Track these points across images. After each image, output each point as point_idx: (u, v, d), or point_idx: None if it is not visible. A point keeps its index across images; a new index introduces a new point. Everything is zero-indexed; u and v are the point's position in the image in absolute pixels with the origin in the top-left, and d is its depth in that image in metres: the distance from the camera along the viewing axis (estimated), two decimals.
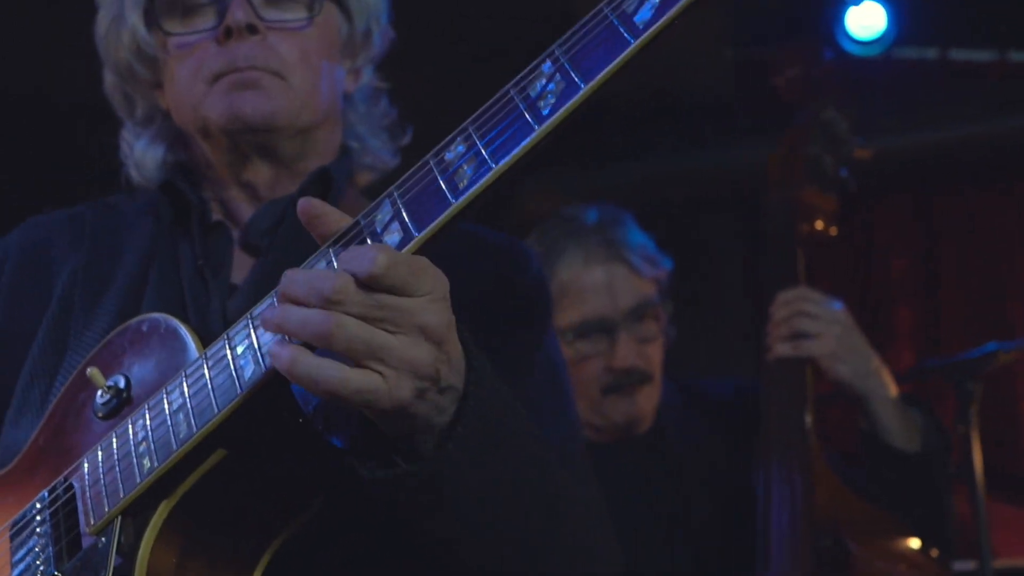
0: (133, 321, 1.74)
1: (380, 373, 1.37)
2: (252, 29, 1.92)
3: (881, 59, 4.53)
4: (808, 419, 3.01)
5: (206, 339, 1.62)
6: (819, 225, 3.32)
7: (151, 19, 1.99)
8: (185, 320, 1.70)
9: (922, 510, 2.98)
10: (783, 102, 3.56)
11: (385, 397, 1.38)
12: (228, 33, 1.92)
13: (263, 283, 1.84)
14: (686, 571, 3.03)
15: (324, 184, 1.98)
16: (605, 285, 3.12)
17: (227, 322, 1.81)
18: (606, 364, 3.10)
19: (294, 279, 1.41)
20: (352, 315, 1.35)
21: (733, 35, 4.69)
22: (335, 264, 1.43)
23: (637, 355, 3.11)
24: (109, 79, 2.09)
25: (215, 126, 1.95)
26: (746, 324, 3.23)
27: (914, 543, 2.94)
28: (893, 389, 3.04)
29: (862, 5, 4.50)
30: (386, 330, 1.36)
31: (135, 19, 2.00)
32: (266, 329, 1.45)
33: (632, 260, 3.15)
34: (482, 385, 1.46)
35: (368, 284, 1.35)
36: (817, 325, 3.04)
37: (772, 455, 2.98)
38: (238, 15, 1.91)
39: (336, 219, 1.49)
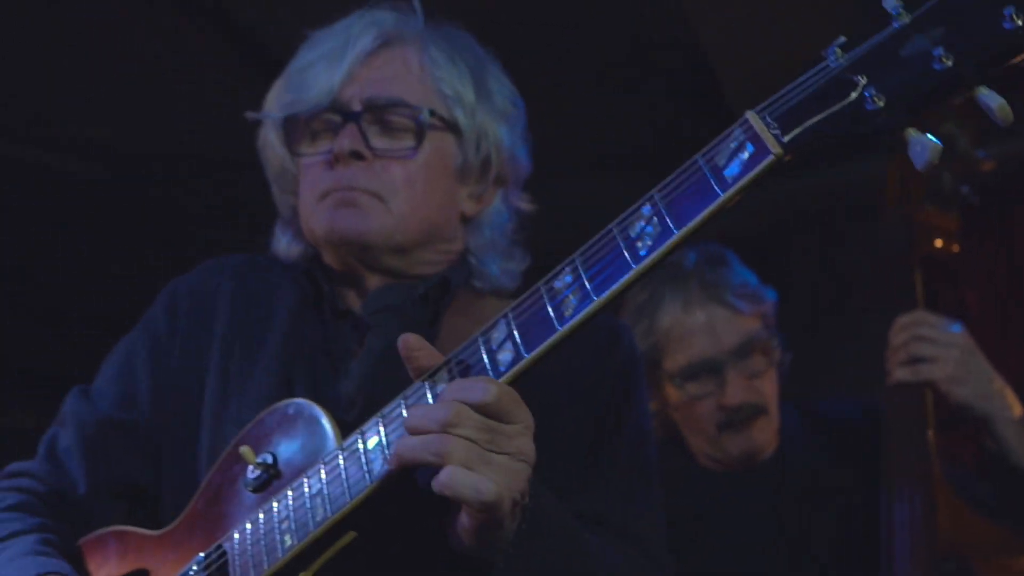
0: (281, 404, 1.95)
1: (492, 479, 1.58)
2: (358, 155, 2.12)
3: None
4: (930, 440, 3.04)
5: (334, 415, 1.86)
6: (938, 244, 3.32)
7: (286, 139, 2.22)
8: (323, 400, 1.92)
9: None
10: None
11: (495, 503, 1.59)
12: (336, 157, 2.12)
13: (371, 361, 2.06)
14: None
15: (442, 288, 2.16)
16: (707, 327, 3.18)
17: (345, 399, 2.03)
18: (718, 403, 3.18)
19: (415, 414, 1.62)
20: (466, 437, 1.57)
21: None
22: (429, 397, 1.66)
23: (746, 391, 3.18)
24: (272, 184, 2.32)
25: (320, 238, 2.17)
26: (868, 346, 3.26)
27: None
28: (1018, 409, 3.05)
29: None
30: (491, 449, 1.58)
31: (274, 138, 2.24)
32: (398, 463, 1.65)
33: (731, 300, 3.20)
34: (541, 504, 1.71)
35: (479, 411, 1.57)
36: (935, 349, 3.07)
37: (893, 477, 3.02)
38: (344, 143, 2.12)
39: (428, 355, 1.71)
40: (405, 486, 1.69)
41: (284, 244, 2.30)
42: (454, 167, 2.20)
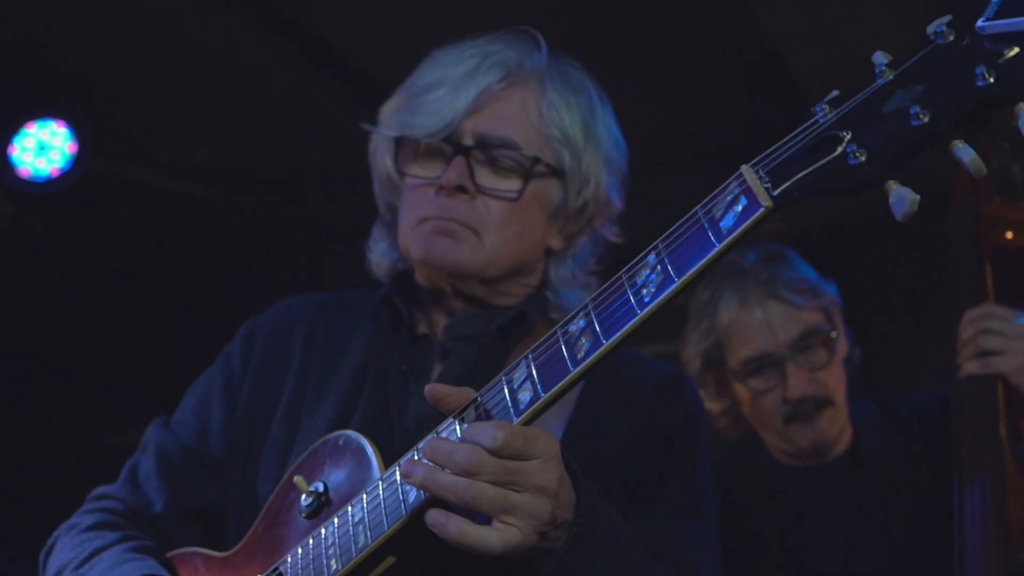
0: (331, 435, 2.07)
1: (516, 527, 1.71)
2: (462, 189, 2.20)
3: None
4: (1002, 433, 3.06)
5: (402, 441, 2.00)
6: (1008, 235, 3.31)
7: (396, 157, 2.30)
8: (390, 421, 2.09)
9: None
10: None
11: (521, 545, 1.71)
12: (443, 187, 2.20)
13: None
14: None
15: (519, 320, 2.24)
16: (764, 323, 3.25)
17: (418, 419, 2.14)
18: (781, 396, 3.24)
19: (437, 447, 1.74)
20: (487, 481, 1.69)
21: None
22: (458, 432, 1.77)
23: (809, 383, 3.23)
24: (376, 185, 2.41)
25: (414, 260, 2.27)
26: (941, 341, 3.28)
27: None
28: None
29: None
30: (514, 490, 1.70)
31: (386, 154, 2.33)
32: (409, 484, 1.79)
33: (787, 296, 3.26)
34: (592, 517, 1.78)
35: (494, 453, 1.68)
36: (1004, 342, 3.08)
37: (965, 469, 3.04)
38: (451, 176, 2.20)
39: (457, 397, 1.83)
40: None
41: (380, 251, 2.40)
42: (551, 207, 2.28)
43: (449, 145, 2.21)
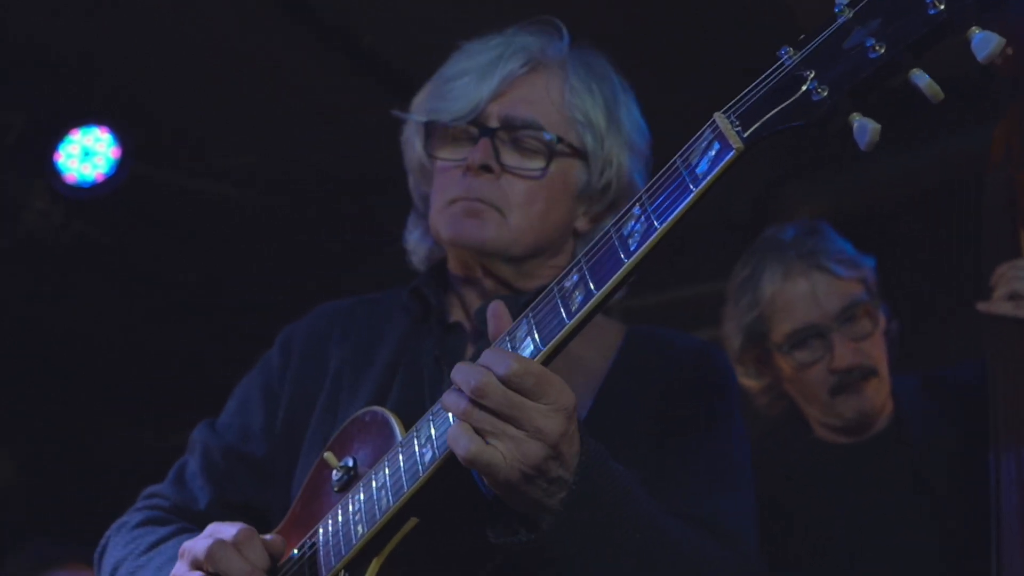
0: (360, 412, 2.15)
1: (499, 452, 1.71)
2: (487, 168, 2.28)
3: None
4: None
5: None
6: None
7: (427, 142, 2.39)
8: (426, 403, 2.09)
9: None
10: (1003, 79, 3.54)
11: (500, 472, 1.72)
12: (468, 167, 2.29)
13: None
14: (934, 561, 3.12)
15: None
16: (809, 294, 3.26)
17: None
18: (827, 367, 3.24)
19: (458, 369, 1.76)
20: (490, 407, 1.70)
21: None
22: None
23: (855, 353, 3.23)
24: (409, 176, 2.51)
25: (444, 240, 2.35)
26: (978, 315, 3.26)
27: None
28: None
29: None
30: (513, 423, 1.71)
31: (416, 139, 2.42)
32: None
33: (830, 266, 3.27)
34: (590, 479, 1.77)
35: (505, 382, 1.70)
36: None
37: (1000, 433, 2.99)
38: (477, 156, 2.28)
39: (507, 324, 1.84)
40: (458, 475, 1.84)
41: (414, 240, 2.49)
42: (576, 189, 2.36)
43: (475, 128, 2.30)
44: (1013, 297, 3.08)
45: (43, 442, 5.87)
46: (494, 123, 2.29)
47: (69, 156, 4.75)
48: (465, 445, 1.72)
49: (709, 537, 2.02)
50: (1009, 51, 3.47)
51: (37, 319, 5.41)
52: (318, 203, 5.33)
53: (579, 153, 2.32)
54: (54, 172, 4.73)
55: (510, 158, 2.29)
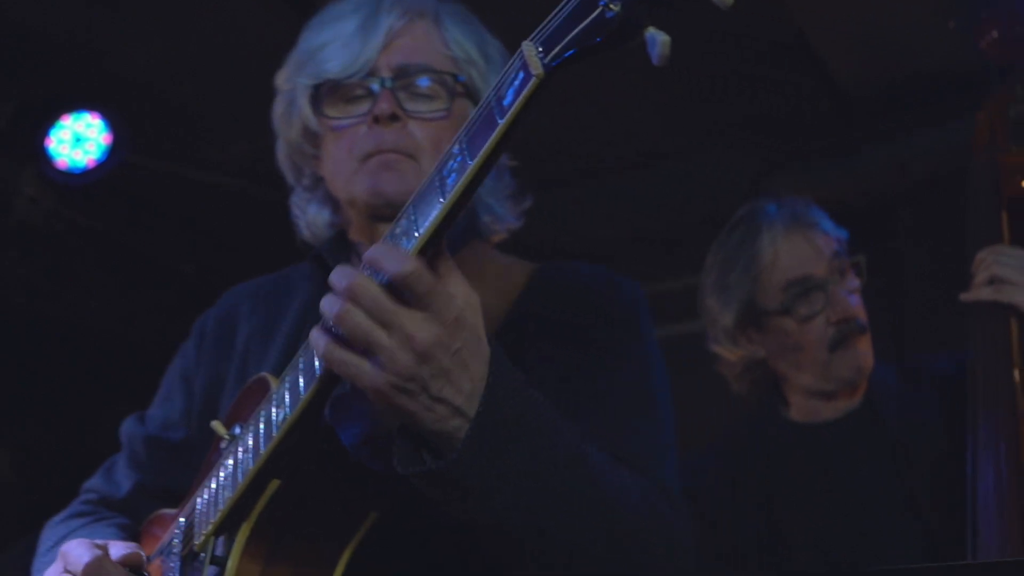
0: (250, 380, 2.12)
1: (367, 366, 1.66)
2: (395, 118, 2.27)
3: None
4: (1016, 377, 3.01)
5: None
6: None
7: (316, 104, 2.37)
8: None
9: None
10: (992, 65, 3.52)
11: (367, 380, 1.66)
12: (376, 120, 2.28)
13: None
14: (914, 547, 3.08)
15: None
16: (808, 248, 3.30)
17: None
18: (827, 320, 3.24)
19: (337, 271, 1.70)
20: (363, 308, 1.64)
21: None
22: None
23: (850, 305, 3.26)
24: (281, 151, 2.50)
25: (360, 199, 2.31)
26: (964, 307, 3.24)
27: None
28: None
29: None
30: (384, 329, 1.64)
31: (304, 103, 2.39)
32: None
33: (820, 223, 3.34)
34: (497, 400, 1.70)
35: (393, 281, 1.64)
36: (1018, 274, 3.07)
37: (978, 418, 2.99)
38: (383, 106, 2.27)
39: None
40: (320, 429, 1.82)
41: (311, 214, 2.47)
42: None
43: (374, 79, 2.30)
44: (992, 282, 3.10)
45: (37, 434, 5.86)
46: (387, 74, 2.30)
47: (60, 142, 4.76)
48: (324, 344, 1.69)
49: (628, 470, 1.93)
50: (995, 34, 3.53)
51: (29, 308, 5.41)
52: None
53: (469, 91, 2.34)
54: (45, 158, 4.74)
55: (412, 104, 2.30)
